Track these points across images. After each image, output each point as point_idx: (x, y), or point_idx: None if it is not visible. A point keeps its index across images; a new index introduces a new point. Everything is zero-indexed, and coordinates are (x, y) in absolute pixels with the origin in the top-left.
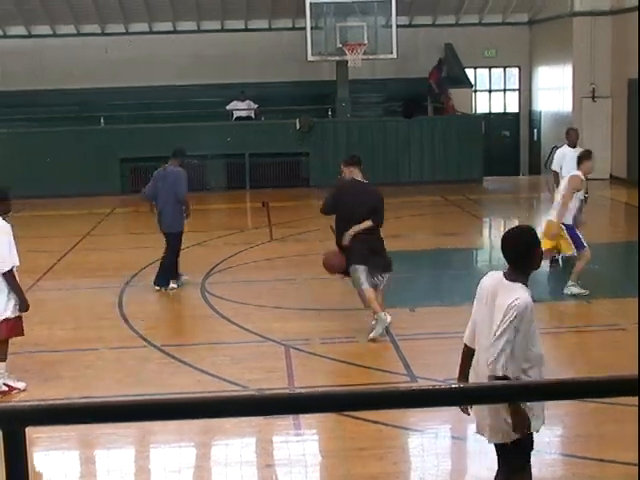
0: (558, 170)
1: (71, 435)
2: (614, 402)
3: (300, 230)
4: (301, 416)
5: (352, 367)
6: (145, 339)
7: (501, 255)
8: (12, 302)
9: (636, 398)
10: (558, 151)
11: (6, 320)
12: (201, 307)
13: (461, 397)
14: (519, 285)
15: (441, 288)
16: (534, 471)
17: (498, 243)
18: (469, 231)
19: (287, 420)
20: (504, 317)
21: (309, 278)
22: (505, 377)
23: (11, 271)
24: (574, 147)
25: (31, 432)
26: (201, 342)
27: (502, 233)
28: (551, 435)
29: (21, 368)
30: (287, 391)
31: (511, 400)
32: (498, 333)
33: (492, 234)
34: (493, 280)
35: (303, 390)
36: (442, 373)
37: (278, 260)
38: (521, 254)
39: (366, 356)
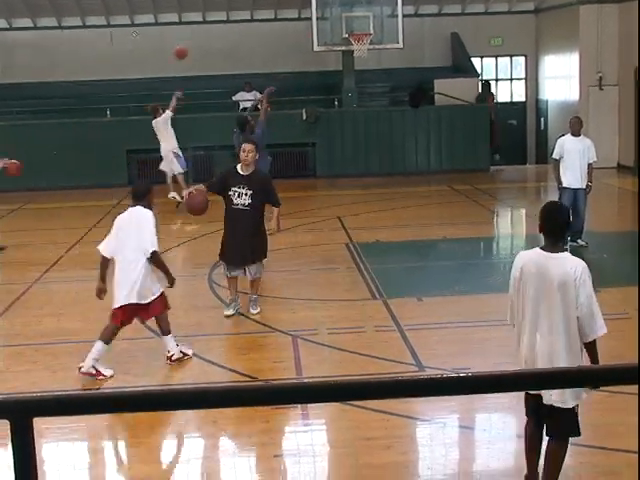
0: (557, 158)
1: (79, 426)
2: (620, 390)
3: (307, 220)
4: (309, 406)
5: (359, 357)
6: (153, 330)
7: (509, 244)
8: (159, 280)
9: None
10: (559, 140)
11: (160, 296)
12: (208, 298)
13: (469, 386)
14: (567, 254)
15: (448, 278)
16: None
17: (505, 232)
18: (476, 220)
19: (295, 410)
20: (577, 282)
21: (316, 269)
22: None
23: (156, 252)
24: (578, 135)
25: (39, 423)
26: (208, 333)
27: (540, 207)
28: None
29: (29, 360)
30: (295, 381)
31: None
32: (585, 299)
33: (499, 223)
34: (534, 258)
35: (311, 380)
36: (450, 362)
37: (285, 250)
38: (563, 228)
39: (373, 346)
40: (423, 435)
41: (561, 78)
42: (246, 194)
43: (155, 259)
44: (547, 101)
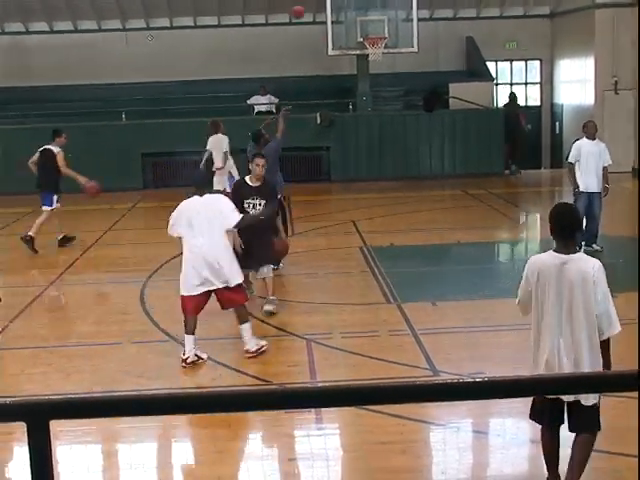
0: (573, 162)
1: (93, 429)
2: (629, 396)
3: (321, 224)
4: (323, 410)
5: (374, 361)
6: (167, 333)
7: (523, 248)
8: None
9: None
10: (575, 144)
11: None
12: None
13: (484, 391)
14: (581, 254)
15: (463, 282)
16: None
17: (519, 236)
18: (490, 225)
19: (309, 414)
20: (595, 281)
21: (330, 272)
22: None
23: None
24: (593, 139)
25: (54, 426)
26: (222, 336)
27: (548, 210)
28: (565, 428)
29: (44, 362)
30: (309, 385)
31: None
32: (602, 296)
33: (514, 228)
34: (550, 262)
35: (325, 384)
36: (464, 367)
37: (299, 254)
38: (574, 228)
39: (388, 350)
40: (437, 440)
41: (576, 82)
42: (259, 204)
43: (242, 223)
44: (562, 105)
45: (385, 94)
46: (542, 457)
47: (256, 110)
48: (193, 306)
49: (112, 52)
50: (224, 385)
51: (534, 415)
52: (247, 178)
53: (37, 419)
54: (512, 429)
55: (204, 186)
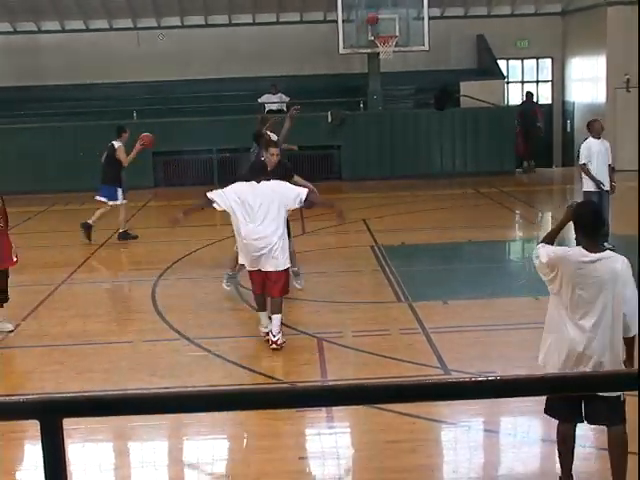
0: (586, 162)
1: (105, 427)
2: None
3: (332, 223)
4: (333, 409)
5: (384, 360)
6: (178, 331)
7: (534, 247)
8: None
9: None
10: (584, 144)
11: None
12: (234, 300)
13: (495, 390)
14: (610, 252)
15: (474, 281)
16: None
17: (531, 235)
18: (502, 223)
19: (319, 413)
20: (625, 278)
21: (341, 271)
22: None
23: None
24: (599, 138)
25: (66, 423)
26: (234, 335)
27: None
28: (586, 428)
29: (56, 360)
30: (319, 384)
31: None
32: (631, 293)
33: (525, 226)
34: (580, 260)
35: (336, 382)
36: (475, 366)
37: (310, 253)
38: (601, 226)
39: (398, 349)
40: (448, 438)
41: (588, 80)
42: None
43: (312, 200)
44: (574, 103)
45: (396, 92)
46: (555, 456)
47: (267, 109)
48: (256, 283)
49: (123, 51)
50: (235, 383)
51: (549, 409)
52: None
53: (50, 417)
54: (523, 428)
55: (260, 173)
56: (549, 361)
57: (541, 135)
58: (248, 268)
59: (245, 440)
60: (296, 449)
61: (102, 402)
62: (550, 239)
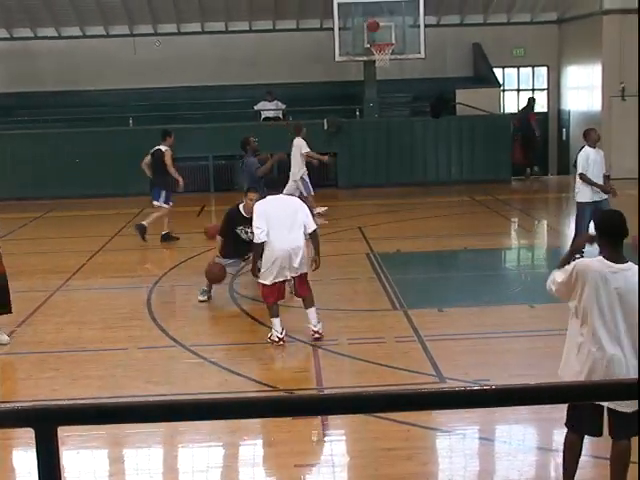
0: (583, 171)
1: (100, 434)
2: None
3: (328, 231)
4: (329, 416)
5: (380, 367)
6: (174, 339)
7: (530, 255)
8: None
9: None
10: (581, 153)
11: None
12: (230, 307)
13: (492, 398)
14: (631, 263)
15: (470, 289)
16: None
17: (526, 243)
18: (497, 231)
19: (315, 420)
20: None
21: (337, 278)
22: None
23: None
24: (595, 147)
25: (61, 431)
26: (229, 342)
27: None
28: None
29: (51, 367)
30: (316, 392)
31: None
32: None
33: (520, 234)
34: (603, 271)
35: (332, 391)
36: (471, 374)
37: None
38: (623, 236)
39: (394, 356)
40: (444, 446)
41: (583, 89)
42: (252, 232)
43: (314, 235)
44: (569, 112)
45: (392, 100)
46: (550, 463)
47: (263, 116)
48: (273, 295)
49: (120, 58)
50: (230, 391)
51: (573, 422)
52: (241, 207)
53: (45, 425)
54: (519, 436)
55: (277, 188)
56: (567, 374)
57: (534, 140)
58: (271, 281)
59: (240, 448)
60: (291, 457)
61: (97, 410)
62: (563, 264)
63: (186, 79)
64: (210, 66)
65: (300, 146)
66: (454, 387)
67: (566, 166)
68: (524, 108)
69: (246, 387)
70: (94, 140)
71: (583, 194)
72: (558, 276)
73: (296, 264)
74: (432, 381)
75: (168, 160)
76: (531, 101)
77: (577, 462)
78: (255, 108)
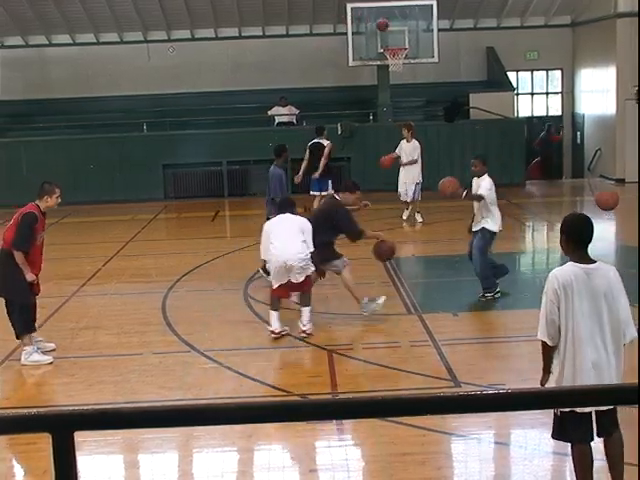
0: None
1: (116, 439)
2: None
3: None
4: (344, 421)
5: (395, 372)
6: (188, 344)
7: (544, 259)
8: None
9: None
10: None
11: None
12: (244, 312)
13: (508, 403)
14: (601, 262)
15: None
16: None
17: (540, 247)
18: (512, 235)
19: (330, 425)
20: (619, 287)
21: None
22: None
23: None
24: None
25: (76, 436)
26: (244, 347)
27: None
28: (597, 440)
29: (66, 373)
30: (330, 397)
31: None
32: (624, 302)
33: (535, 238)
34: (577, 274)
35: (346, 396)
36: (485, 378)
37: None
38: (591, 237)
39: (409, 361)
40: (458, 451)
41: (598, 92)
42: None
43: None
44: (584, 115)
45: (406, 104)
46: (566, 469)
47: (277, 121)
48: (279, 292)
49: (134, 64)
50: (245, 395)
51: (560, 434)
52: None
53: (62, 430)
54: (534, 440)
55: (289, 207)
56: (563, 377)
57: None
58: (275, 285)
59: (255, 452)
60: (307, 461)
61: (113, 416)
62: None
63: (200, 85)
64: (224, 72)
65: (414, 148)
66: (469, 391)
67: (580, 169)
68: (545, 133)
69: (261, 392)
70: (108, 146)
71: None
72: (541, 327)
73: (294, 272)
74: (447, 385)
75: (326, 153)
76: (550, 127)
77: (590, 471)
78: (269, 113)
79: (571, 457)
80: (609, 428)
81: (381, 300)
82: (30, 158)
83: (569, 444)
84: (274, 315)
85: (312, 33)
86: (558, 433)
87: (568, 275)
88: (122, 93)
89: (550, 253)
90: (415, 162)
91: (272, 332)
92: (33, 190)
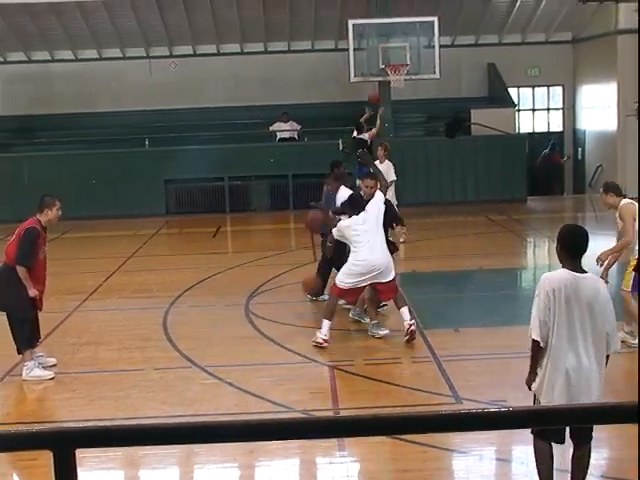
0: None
1: (116, 455)
2: None
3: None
4: (345, 438)
5: (396, 388)
6: (189, 359)
7: (544, 274)
8: None
9: None
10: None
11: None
12: (245, 328)
13: (508, 421)
14: (589, 273)
15: (485, 308)
16: None
17: (542, 263)
18: (513, 251)
19: (331, 441)
20: (606, 298)
21: None
22: None
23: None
24: None
25: (77, 452)
26: (245, 363)
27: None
28: (598, 457)
29: (67, 388)
30: (332, 413)
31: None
32: (610, 314)
33: (536, 254)
34: (568, 280)
35: (348, 412)
36: (487, 394)
37: None
38: (586, 247)
39: (410, 377)
40: (460, 467)
41: (599, 108)
42: None
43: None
44: (585, 131)
45: (407, 120)
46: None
47: (278, 137)
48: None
49: (136, 80)
50: (246, 412)
51: (539, 432)
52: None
53: (64, 448)
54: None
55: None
56: (546, 384)
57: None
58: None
59: (256, 469)
60: (308, 478)
61: (115, 433)
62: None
63: (202, 100)
64: (225, 87)
65: None
66: (470, 409)
67: (582, 185)
68: (548, 151)
69: (262, 408)
70: (110, 161)
71: None
72: (533, 327)
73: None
74: (448, 402)
75: (372, 134)
76: (554, 145)
77: (551, 468)
78: (270, 129)
79: (533, 450)
80: (586, 437)
81: (383, 332)
82: (33, 173)
83: (569, 446)
84: (328, 324)
85: (314, 49)
86: (537, 431)
87: (559, 279)
88: (124, 108)
89: (551, 269)
90: (393, 183)
91: (321, 343)
92: (36, 205)
